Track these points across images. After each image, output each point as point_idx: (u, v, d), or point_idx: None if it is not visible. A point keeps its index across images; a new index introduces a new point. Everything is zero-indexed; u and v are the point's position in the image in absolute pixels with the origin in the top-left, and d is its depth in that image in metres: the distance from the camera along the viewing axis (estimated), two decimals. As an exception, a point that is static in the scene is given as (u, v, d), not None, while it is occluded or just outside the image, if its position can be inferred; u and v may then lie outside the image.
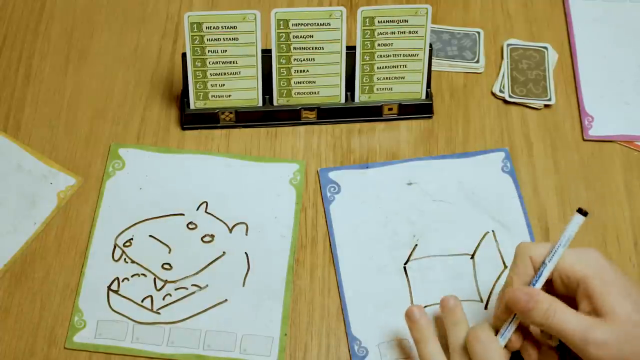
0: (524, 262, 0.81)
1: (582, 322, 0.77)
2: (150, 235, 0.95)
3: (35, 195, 0.97)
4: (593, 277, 0.78)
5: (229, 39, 0.98)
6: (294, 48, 0.99)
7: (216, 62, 0.99)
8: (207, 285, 0.92)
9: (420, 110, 1.03)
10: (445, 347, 0.85)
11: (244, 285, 0.93)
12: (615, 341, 0.76)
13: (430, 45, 1.00)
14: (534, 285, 0.80)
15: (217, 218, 0.96)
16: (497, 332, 0.82)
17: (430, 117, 1.03)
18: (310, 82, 1.01)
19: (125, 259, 0.94)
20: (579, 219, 0.81)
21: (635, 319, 0.76)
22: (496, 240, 0.95)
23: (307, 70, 1.00)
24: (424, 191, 0.98)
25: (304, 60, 0.99)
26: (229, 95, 1.01)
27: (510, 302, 0.80)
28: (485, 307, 0.91)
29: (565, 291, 0.80)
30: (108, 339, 0.89)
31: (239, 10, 0.97)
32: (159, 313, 0.91)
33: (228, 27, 0.97)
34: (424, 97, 1.03)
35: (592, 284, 0.78)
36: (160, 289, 0.92)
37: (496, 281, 0.93)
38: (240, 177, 0.99)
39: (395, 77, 1.01)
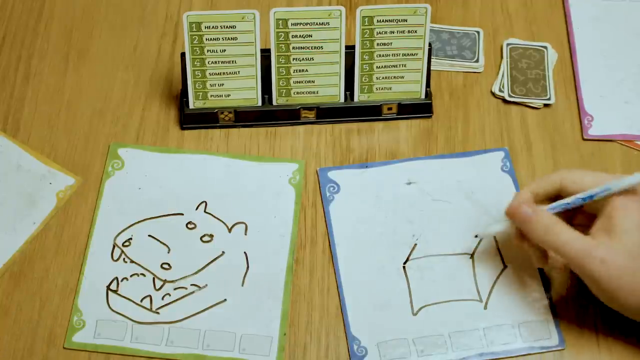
0: (550, 180, 0.86)
1: (585, 240, 0.81)
2: (150, 235, 0.95)
3: (34, 195, 0.97)
4: (619, 204, 0.81)
5: (228, 38, 0.98)
6: (293, 47, 0.99)
7: (215, 62, 0.99)
8: (206, 285, 0.92)
9: (419, 109, 1.03)
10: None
11: (243, 284, 0.93)
12: (614, 261, 0.80)
13: (430, 45, 1.00)
14: (552, 208, 0.85)
15: (217, 218, 0.96)
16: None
17: (429, 117, 1.03)
18: (309, 81, 1.01)
19: (124, 258, 0.94)
20: (637, 178, 0.82)
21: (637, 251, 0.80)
22: (496, 240, 0.95)
23: (307, 70, 1.00)
24: (423, 191, 0.98)
25: (303, 59, 0.99)
26: (228, 95, 1.01)
27: (509, 212, 0.86)
28: (485, 307, 0.91)
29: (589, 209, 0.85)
30: (107, 339, 0.89)
31: (238, 9, 0.97)
32: (158, 313, 0.91)
33: (227, 27, 0.97)
34: (423, 96, 1.03)
35: (617, 206, 0.81)
36: (160, 288, 0.92)
37: (496, 281, 0.93)
38: (240, 176, 0.99)
39: (394, 77, 1.01)
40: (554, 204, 0.87)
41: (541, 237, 0.85)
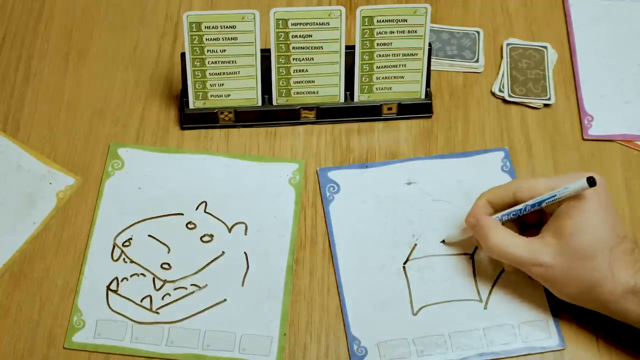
0: (504, 189, 0.90)
1: (526, 246, 0.87)
2: (150, 235, 0.95)
3: (34, 195, 0.97)
4: (567, 209, 0.86)
5: (228, 38, 0.98)
6: (293, 47, 0.99)
7: (215, 62, 0.99)
8: (206, 285, 0.92)
9: (419, 109, 1.03)
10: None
11: (243, 284, 0.93)
12: (556, 263, 0.85)
13: (430, 45, 1.00)
14: (505, 214, 0.89)
15: (217, 218, 0.96)
16: None
17: (429, 117, 1.03)
18: (309, 81, 1.01)
19: (124, 258, 0.94)
20: (582, 184, 0.84)
21: (584, 253, 0.84)
22: (496, 240, 0.95)
23: (306, 70, 1.00)
24: (423, 191, 0.98)
25: (303, 59, 0.99)
26: (228, 95, 1.01)
27: (466, 220, 0.91)
28: (485, 307, 0.91)
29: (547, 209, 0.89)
30: (107, 339, 0.89)
31: (238, 9, 0.97)
32: (158, 313, 0.91)
33: (227, 27, 0.97)
34: (423, 96, 1.03)
35: (564, 210, 0.86)
36: (160, 288, 0.92)
37: (496, 281, 0.93)
38: (240, 176, 0.99)
39: (394, 77, 1.01)
40: (505, 212, 0.90)
41: (485, 244, 0.89)
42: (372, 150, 1.01)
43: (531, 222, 0.92)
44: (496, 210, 0.91)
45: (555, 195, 0.86)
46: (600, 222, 0.85)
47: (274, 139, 1.02)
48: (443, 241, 0.95)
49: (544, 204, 0.87)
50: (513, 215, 0.89)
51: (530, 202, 0.88)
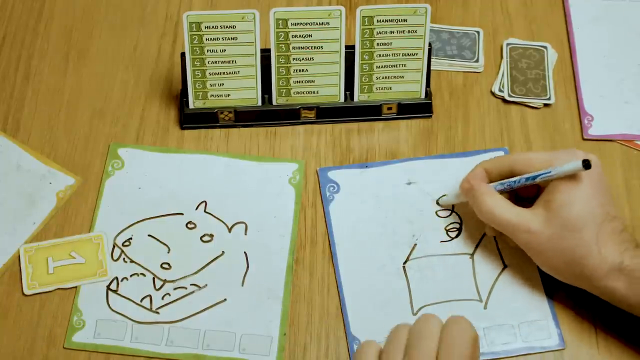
0: (502, 160, 0.92)
1: (517, 213, 0.88)
2: (150, 235, 0.95)
3: (34, 195, 0.97)
4: (560, 186, 0.87)
5: (228, 38, 0.98)
6: (293, 47, 0.99)
7: (215, 62, 0.99)
8: (206, 285, 0.92)
9: (419, 109, 1.03)
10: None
11: (243, 284, 0.93)
12: (543, 232, 0.87)
13: (430, 45, 1.00)
14: (500, 184, 0.91)
15: (217, 217, 0.96)
16: None
17: (429, 117, 1.03)
18: (309, 81, 1.01)
19: (124, 258, 0.94)
20: (577, 165, 0.86)
21: (571, 224, 0.86)
22: (496, 240, 0.95)
23: (306, 70, 1.00)
24: (423, 190, 0.98)
25: (303, 59, 0.99)
26: (228, 95, 1.01)
27: (460, 184, 0.93)
28: (485, 307, 0.91)
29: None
30: (107, 339, 0.89)
31: (237, 9, 0.97)
32: (158, 313, 0.91)
33: (227, 27, 0.97)
34: (423, 96, 1.03)
35: (557, 187, 0.87)
36: (160, 288, 0.92)
37: (496, 281, 0.93)
38: (240, 176, 0.99)
39: (394, 77, 1.01)
40: (502, 181, 0.92)
41: (478, 207, 0.91)
42: (372, 150, 1.01)
43: (525, 195, 0.94)
44: (491, 180, 0.93)
45: (550, 172, 0.88)
46: (591, 197, 0.86)
47: (274, 138, 1.02)
48: (437, 202, 0.97)
49: (538, 179, 0.89)
50: (507, 186, 0.91)
51: (525, 176, 0.90)
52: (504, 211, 0.89)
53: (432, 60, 1.02)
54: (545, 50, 1.08)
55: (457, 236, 0.95)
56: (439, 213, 0.97)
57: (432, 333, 0.75)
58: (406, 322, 0.78)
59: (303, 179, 0.99)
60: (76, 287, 0.92)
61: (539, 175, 0.89)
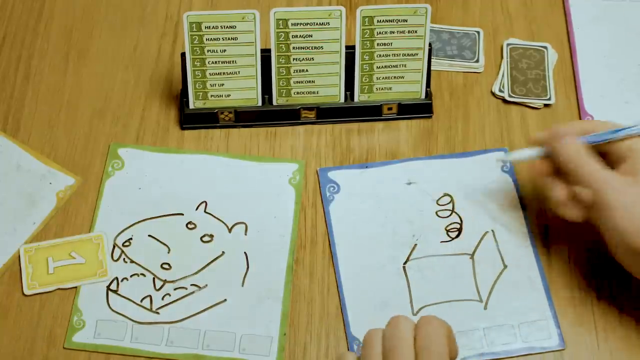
0: (582, 124, 0.92)
1: (610, 172, 0.86)
2: (150, 235, 0.95)
3: (34, 195, 0.97)
4: None
5: (228, 38, 0.98)
6: (293, 48, 0.99)
7: (215, 62, 0.99)
8: (206, 285, 0.92)
9: (419, 109, 1.03)
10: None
11: (243, 285, 0.93)
12: (632, 195, 0.85)
13: (430, 45, 1.00)
14: (583, 139, 0.89)
15: (217, 218, 0.96)
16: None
17: (429, 117, 1.03)
18: (309, 81, 1.01)
19: (124, 258, 0.94)
20: None
21: None
22: (496, 240, 0.95)
23: (307, 70, 1.00)
24: (423, 191, 0.98)
25: (303, 59, 0.99)
26: (228, 95, 1.01)
27: (546, 136, 0.91)
28: (485, 307, 0.91)
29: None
30: (107, 339, 0.89)
31: (238, 9, 0.97)
32: (158, 313, 0.91)
33: (227, 27, 0.97)
34: (423, 96, 1.03)
35: None
36: (160, 288, 0.92)
37: (496, 281, 0.93)
38: (240, 177, 0.99)
39: (394, 77, 1.01)
40: (585, 136, 0.90)
41: (570, 161, 0.88)
42: (372, 150, 1.01)
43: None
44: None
45: (637, 126, 0.88)
46: None
47: (274, 139, 1.02)
48: (501, 160, 0.98)
49: (622, 133, 0.88)
50: (592, 140, 0.89)
51: (610, 130, 0.89)
52: (599, 169, 0.87)
53: (432, 60, 1.02)
54: (545, 50, 1.08)
55: (457, 236, 0.95)
56: (439, 213, 0.97)
57: (406, 338, 0.75)
58: (379, 326, 0.78)
59: (303, 179, 0.99)
60: (76, 287, 0.92)
61: (624, 129, 0.88)
